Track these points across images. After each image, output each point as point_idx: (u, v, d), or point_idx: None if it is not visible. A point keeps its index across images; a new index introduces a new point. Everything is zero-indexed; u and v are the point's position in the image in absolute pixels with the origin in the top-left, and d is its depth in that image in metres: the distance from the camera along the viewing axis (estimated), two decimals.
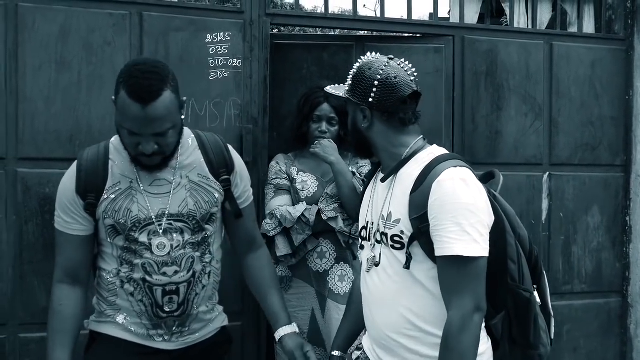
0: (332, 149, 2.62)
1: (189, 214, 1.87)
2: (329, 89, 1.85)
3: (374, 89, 1.67)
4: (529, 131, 3.46)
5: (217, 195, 1.93)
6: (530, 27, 3.70)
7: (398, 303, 1.67)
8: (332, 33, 4.60)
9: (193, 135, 1.96)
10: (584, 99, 3.56)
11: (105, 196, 1.83)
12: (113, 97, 1.74)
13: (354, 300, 1.97)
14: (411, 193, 1.60)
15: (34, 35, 2.71)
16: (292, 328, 2.00)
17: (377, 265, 1.72)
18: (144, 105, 1.65)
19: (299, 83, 3.21)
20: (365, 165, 2.75)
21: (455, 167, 1.58)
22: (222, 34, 2.94)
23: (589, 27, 3.82)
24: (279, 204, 2.62)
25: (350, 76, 1.77)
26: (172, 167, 1.87)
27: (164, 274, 1.86)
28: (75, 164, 1.89)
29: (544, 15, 3.79)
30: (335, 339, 1.99)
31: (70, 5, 2.76)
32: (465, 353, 1.52)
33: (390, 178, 1.71)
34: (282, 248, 2.55)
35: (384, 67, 1.68)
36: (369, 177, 1.89)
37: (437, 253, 1.56)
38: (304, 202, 2.62)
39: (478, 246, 1.52)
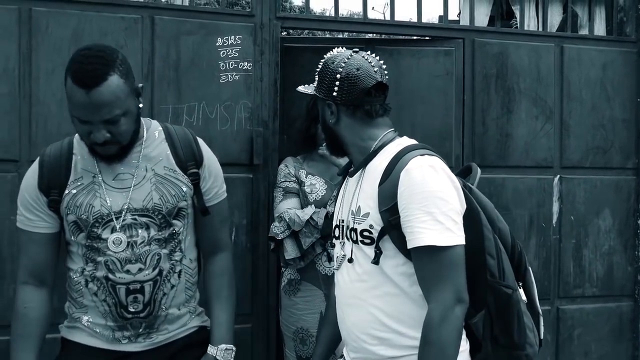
0: None
1: (154, 208, 1.80)
2: (300, 88, 1.86)
3: (337, 83, 1.65)
4: (540, 134, 3.45)
5: (184, 189, 1.85)
6: (540, 29, 3.68)
7: (368, 302, 1.61)
8: (341, 36, 4.61)
9: (160, 128, 1.90)
10: (595, 101, 3.55)
11: (67, 191, 1.78)
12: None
13: (332, 304, 1.89)
14: (379, 185, 1.56)
15: (47, 39, 2.74)
16: (214, 350, 1.89)
17: (349, 261, 1.66)
18: (87, 90, 1.58)
19: None
20: None
21: (423, 155, 1.55)
22: (232, 37, 2.96)
23: (600, 29, 3.80)
24: (288, 207, 2.63)
25: (317, 72, 1.76)
26: (136, 160, 1.81)
27: (127, 271, 1.78)
28: (37, 160, 1.84)
29: (555, 17, 3.77)
30: (316, 347, 1.95)
31: (83, 9, 2.78)
32: (446, 347, 1.45)
33: (359, 172, 1.68)
34: (290, 251, 2.55)
35: (346, 61, 1.67)
36: (342, 175, 1.86)
37: (410, 245, 1.50)
38: (313, 205, 2.62)
39: (452, 234, 1.47)
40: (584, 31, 3.81)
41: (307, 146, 2.81)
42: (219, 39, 2.95)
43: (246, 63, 2.98)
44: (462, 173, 1.84)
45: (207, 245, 1.99)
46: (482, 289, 1.60)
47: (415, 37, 3.61)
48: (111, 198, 1.77)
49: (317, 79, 1.75)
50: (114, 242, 1.77)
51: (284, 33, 3.20)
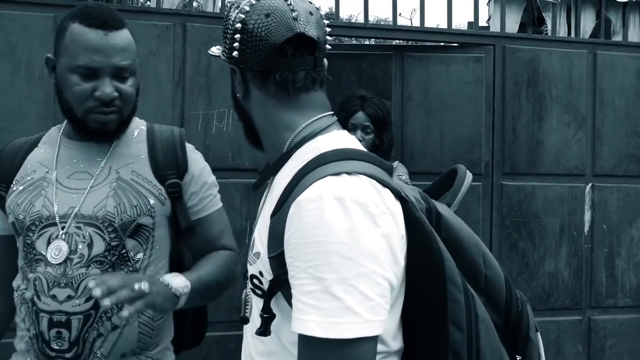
0: None
1: (104, 218, 1.43)
2: (213, 49, 1.27)
3: (237, 37, 1.08)
4: (571, 141, 3.41)
5: (152, 202, 1.48)
6: (573, 35, 3.64)
7: None
8: (368, 42, 4.62)
9: (144, 127, 1.60)
10: (629, 108, 3.49)
11: (14, 188, 1.48)
12: (49, 55, 1.48)
13: None
14: (272, 215, 1.01)
15: None
16: (170, 279, 1.40)
17: (243, 322, 1.12)
18: (106, 31, 1.40)
19: (337, 92, 3.22)
20: (403, 175, 2.74)
21: (336, 175, 0.95)
22: None
23: (634, 35, 3.74)
24: None
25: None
26: (100, 158, 1.49)
27: (53, 297, 1.39)
28: None
29: (587, 23, 3.73)
30: None
31: None
32: None
33: (269, 182, 1.16)
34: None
35: (253, 3, 1.08)
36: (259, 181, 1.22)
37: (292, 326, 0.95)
38: None
39: (351, 320, 0.89)
40: (618, 38, 3.75)
41: None
42: None
43: None
44: (443, 182, 1.29)
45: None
46: None
47: (442, 44, 3.59)
48: (58, 199, 1.44)
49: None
50: (53, 252, 1.41)
51: None
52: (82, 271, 1.40)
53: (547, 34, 3.89)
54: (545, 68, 3.38)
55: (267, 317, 1.02)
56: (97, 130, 1.45)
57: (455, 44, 3.46)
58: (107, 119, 1.44)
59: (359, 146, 1.08)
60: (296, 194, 0.96)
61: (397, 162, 2.85)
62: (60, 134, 1.53)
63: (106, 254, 1.42)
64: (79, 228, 1.42)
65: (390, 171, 1.06)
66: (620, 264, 3.50)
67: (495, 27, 3.56)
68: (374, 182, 0.98)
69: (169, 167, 1.53)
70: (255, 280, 1.06)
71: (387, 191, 0.99)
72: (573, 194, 3.42)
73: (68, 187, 1.45)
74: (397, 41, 3.65)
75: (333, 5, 3.31)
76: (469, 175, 1.26)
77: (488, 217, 3.31)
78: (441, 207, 1.13)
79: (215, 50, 1.23)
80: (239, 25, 1.08)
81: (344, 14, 23.02)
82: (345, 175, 0.96)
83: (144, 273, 1.46)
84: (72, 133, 1.51)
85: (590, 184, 3.44)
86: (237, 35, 1.08)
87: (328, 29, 1.13)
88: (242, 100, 1.15)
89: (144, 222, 1.47)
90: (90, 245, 1.41)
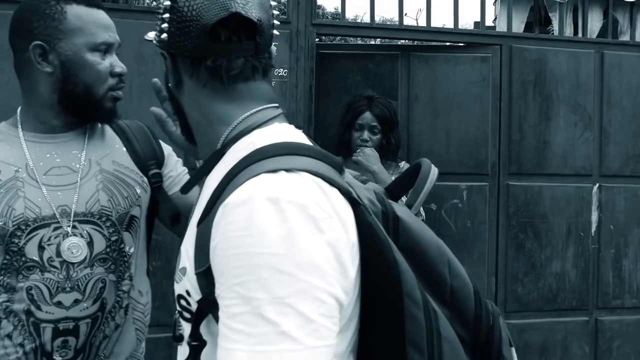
0: (374, 158, 2.61)
1: (101, 213, 1.37)
2: (149, 33, 1.07)
3: (165, 16, 0.95)
4: (579, 141, 3.39)
5: (138, 191, 1.45)
6: (580, 35, 3.63)
7: None
8: (374, 42, 4.61)
9: None
10: (636, 108, 3.47)
11: None
12: (38, 42, 1.35)
13: None
14: (199, 223, 0.87)
15: None
16: None
17: (176, 340, 0.94)
18: (102, 10, 1.42)
19: (343, 92, 3.22)
20: None
21: (272, 172, 0.82)
22: None
23: None
24: None
25: None
26: (77, 151, 1.42)
27: (58, 303, 1.31)
28: None
29: (595, 23, 3.72)
30: None
31: (122, 16, 2.83)
32: None
33: (202, 184, 1.01)
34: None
35: None
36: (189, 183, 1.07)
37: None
38: None
39: (292, 347, 0.74)
40: (625, 37, 3.74)
41: (341, 153, 2.80)
42: None
43: (282, 69, 3.00)
44: (404, 180, 1.15)
45: None
46: None
47: (448, 44, 3.58)
48: (41, 198, 1.34)
49: None
50: (69, 252, 1.33)
51: (317, 40, 3.21)
52: (87, 272, 1.34)
53: (553, 34, 3.88)
54: (552, 68, 3.37)
55: (196, 344, 0.86)
56: (111, 109, 1.42)
57: (462, 44, 3.45)
58: (120, 96, 1.43)
59: (305, 140, 0.94)
60: (225, 196, 0.82)
61: (403, 162, 2.85)
62: (18, 129, 1.40)
63: (107, 250, 1.37)
64: (74, 227, 1.34)
65: (340, 169, 0.92)
66: (628, 265, 3.48)
67: (501, 27, 3.55)
68: (320, 180, 0.84)
69: (149, 158, 1.50)
70: (182, 301, 0.90)
71: (336, 192, 0.85)
72: (580, 194, 3.40)
73: (50, 185, 1.35)
74: (403, 41, 3.63)
75: (339, 5, 3.31)
76: (433, 171, 1.10)
77: (494, 217, 3.30)
78: (400, 210, 0.97)
79: (151, 34, 1.05)
80: (167, 2, 0.95)
81: (349, 14, 23.04)
82: (283, 172, 0.82)
83: (133, 264, 1.44)
84: (36, 126, 1.40)
85: (597, 184, 3.43)
86: (166, 15, 0.95)
87: (276, 12, 1.00)
88: (174, 91, 1.02)
89: (135, 213, 1.44)
90: (90, 244, 1.35)
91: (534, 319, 3.34)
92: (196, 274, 0.85)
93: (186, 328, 0.89)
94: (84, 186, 1.38)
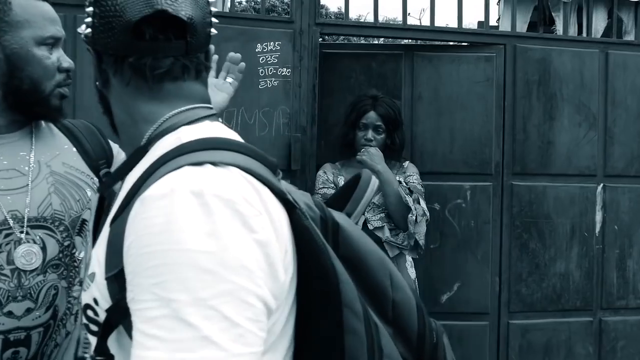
0: (379, 157, 2.61)
1: (54, 217, 1.30)
2: (82, 27, 0.94)
3: (89, 10, 0.88)
4: (583, 141, 3.38)
5: (89, 193, 1.38)
6: (584, 35, 3.62)
7: None
8: (377, 42, 4.60)
9: None
10: None
11: None
12: None
13: None
14: (112, 222, 0.81)
15: None
16: None
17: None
18: (48, 2, 1.35)
19: (347, 92, 3.21)
20: (414, 175, 2.73)
21: (198, 165, 0.76)
22: (272, 43, 2.97)
23: None
24: None
25: None
26: (25, 152, 1.33)
27: (9, 313, 1.24)
28: None
29: (599, 23, 3.70)
30: None
31: None
32: None
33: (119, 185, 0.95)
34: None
35: None
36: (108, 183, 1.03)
37: None
38: None
39: (216, 355, 0.67)
40: (630, 37, 3.73)
41: (345, 152, 2.81)
42: (258, 45, 2.97)
43: (285, 69, 2.99)
44: (348, 190, 1.07)
45: None
46: None
47: (452, 43, 3.57)
48: None
49: None
50: (22, 259, 1.25)
51: (320, 39, 3.20)
52: (39, 279, 1.26)
53: (557, 34, 3.87)
54: (556, 67, 3.35)
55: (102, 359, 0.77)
56: (58, 107, 1.35)
57: (466, 44, 3.44)
58: (67, 93, 1.37)
59: (237, 138, 0.88)
60: (143, 190, 0.75)
61: (407, 162, 2.84)
62: None
63: (60, 255, 1.30)
64: (27, 233, 1.26)
65: (274, 169, 0.86)
66: (632, 265, 3.47)
67: (504, 27, 3.54)
68: (250, 177, 0.78)
69: (99, 157, 1.45)
70: (89, 312, 0.81)
71: (268, 191, 0.79)
72: (584, 195, 3.39)
73: None
74: (407, 41, 3.62)
75: (342, 5, 3.30)
76: (373, 182, 1.05)
77: (498, 217, 3.29)
78: (340, 217, 0.91)
79: (83, 27, 0.95)
80: None
81: (352, 14, 23.03)
82: (209, 165, 0.76)
83: (82, 273, 1.36)
84: None
85: (601, 185, 3.42)
86: (90, 9, 0.88)
87: (214, 9, 0.95)
88: (103, 90, 0.94)
89: (86, 216, 1.37)
90: (44, 250, 1.28)
91: (537, 319, 3.33)
92: (106, 278, 0.76)
93: (92, 342, 0.80)
94: (35, 190, 1.30)
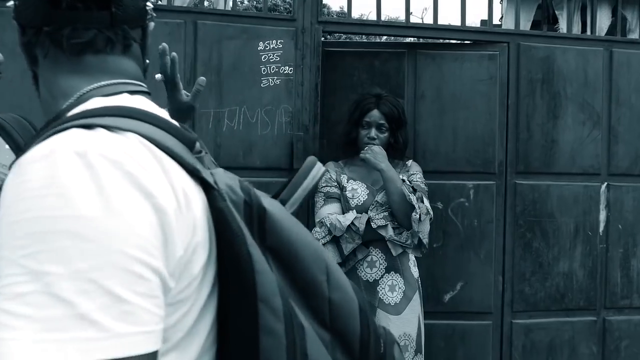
0: (382, 155, 2.60)
1: None
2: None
3: None
4: (587, 140, 3.36)
5: None
6: (588, 33, 3.60)
7: None
8: (379, 40, 4.59)
9: None
10: None
11: None
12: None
13: None
14: None
15: None
16: None
17: None
18: None
19: (349, 90, 3.20)
20: (417, 173, 2.72)
21: (87, 127, 0.68)
22: (274, 41, 2.96)
23: None
24: (329, 212, 2.61)
25: None
26: None
27: None
28: None
29: (603, 21, 3.68)
30: None
31: None
32: None
33: None
34: (331, 257, 2.53)
35: None
36: None
37: None
38: (354, 211, 2.60)
39: (94, 335, 0.57)
40: (634, 35, 3.71)
41: (348, 151, 2.79)
42: (261, 44, 2.96)
43: (287, 67, 2.98)
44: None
45: None
46: None
47: (453, 41, 3.56)
48: None
49: None
50: None
51: (323, 37, 3.19)
52: None
53: (560, 32, 3.85)
54: (560, 66, 3.34)
55: None
56: None
57: (469, 42, 3.43)
58: None
59: (160, 113, 0.79)
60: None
61: (411, 160, 2.83)
62: None
63: None
64: None
65: (192, 145, 0.79)
66: (636, 264, 3.45)
67: (507, 26, 3.52)
68: (153, 146, 0.69)
69: None
70: None
71: (176, 165, 0.71)
72: (588, 194, 3.38)
73: None
74: (410, 39, 3.61)
75: (344, 4, 3.29)
76: (317, 168, 0.93)
77: (501, 216, 3.28)
78: (269, 203, 0.79)
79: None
80: None
81: (355, 14, 23.00)
82: (101, 129, 0.67)
83: None
84: None
85: (605, 184, 3.40)
86: None
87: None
88: (32, 68, 0.88)
89: None
90: None
91: (541, 319, 3.32)
92: None
93: None
94: None
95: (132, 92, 0.82)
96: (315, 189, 0.89)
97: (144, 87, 0.85)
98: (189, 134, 0.78)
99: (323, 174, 0.91)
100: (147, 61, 0.94)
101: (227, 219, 0.72)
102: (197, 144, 0.80)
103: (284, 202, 0.86)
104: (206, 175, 0.74)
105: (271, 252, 0.76)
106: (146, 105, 0.80)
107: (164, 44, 1.38)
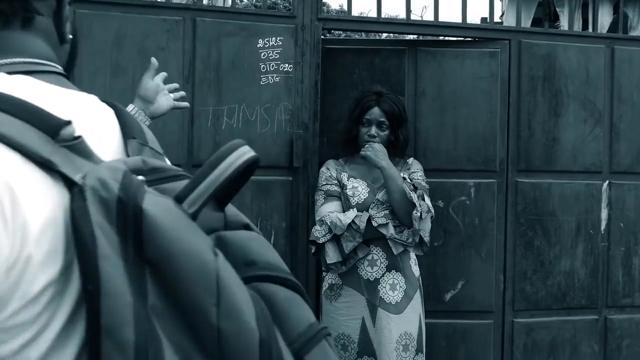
0: (383, 153, 2.58)
1: None
2: None
3: None
4: (588, 138, 3.34)
5: None
6: (590, 30, 3.58)
7: None
8: (379, 37, 4.56)
9: None
10: None
11: None
12: None
13: None
14: None
15: (90, 41, 2.75)
16: None
17: None
18: None
19: (349, 88, 3.18)
20: (418, 171, 2.71)
21: None
22: (273, 38, 2.94)
23: None
24: (329, 210, 2.60)
25: None
26: None
27: None
28: None
29: (605, 18, 3.66)
30: None
31: (125, 11, 2.80)
32: None
33: None
34: (332, 255, 2.52)
35: None
36: None
37: None
38: (355, 209, 2.58)
39: None
40: (636, 32, 3.69)
41: (348, 148, 2.78)
42: (260, 41, 2.93)
43: (287, 65, 2.96)
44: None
45: None
46: None
47: (454, 38, 3.53)
48: None
49: None
50: None
51: (322, 35, 3.17)
52: None
53: (562, 29, 3.83)
54: (561, 63, 3.32)
55: None
56: None
57: (470, 39, 3.40)
58: None
59: (48, 96, 0.69)
60: None
61: (411, 158, 2.81)
62: None
63: None
64: None
65: (55, 133, 0.62)
66: (638, 263, 3.43)
67: (508, 23, 3.51)
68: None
69: None
70: None
71: (13, 155, 0.59)
72: (589, 192, 3.36)
73: None
74: (410, 36, 3.59)
75: (344, 1, 3.27)
76: (237, 154, 0.70)
77: (503, 214, 3.26)
78: (153, 202, 0.62)
79: None
80: None
81: (355, 12, 22.95)
82: None
83: None
84: None
85: (607, 182, 3.38)
86: None
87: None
88: None
89: None
90: None
91: (542, 318, 3.30)
92: None
93: None
94: None
95: (14, 72, 0.70)
96: (231, 181, 0.68)
97: (47, 65, 0.74)
98: (55, 119, 0.63)
99: (248, 161, 0.69)
100: (70, 36, 0.83)
101: (78, 223, 0.59)
102: (69, 130, 0.63)
103: (180, 200, 0.65)
104: (65, 169, 0.61)
105: (150, 266, 0.60)
106: (23, 87, 0.67)
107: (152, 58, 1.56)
